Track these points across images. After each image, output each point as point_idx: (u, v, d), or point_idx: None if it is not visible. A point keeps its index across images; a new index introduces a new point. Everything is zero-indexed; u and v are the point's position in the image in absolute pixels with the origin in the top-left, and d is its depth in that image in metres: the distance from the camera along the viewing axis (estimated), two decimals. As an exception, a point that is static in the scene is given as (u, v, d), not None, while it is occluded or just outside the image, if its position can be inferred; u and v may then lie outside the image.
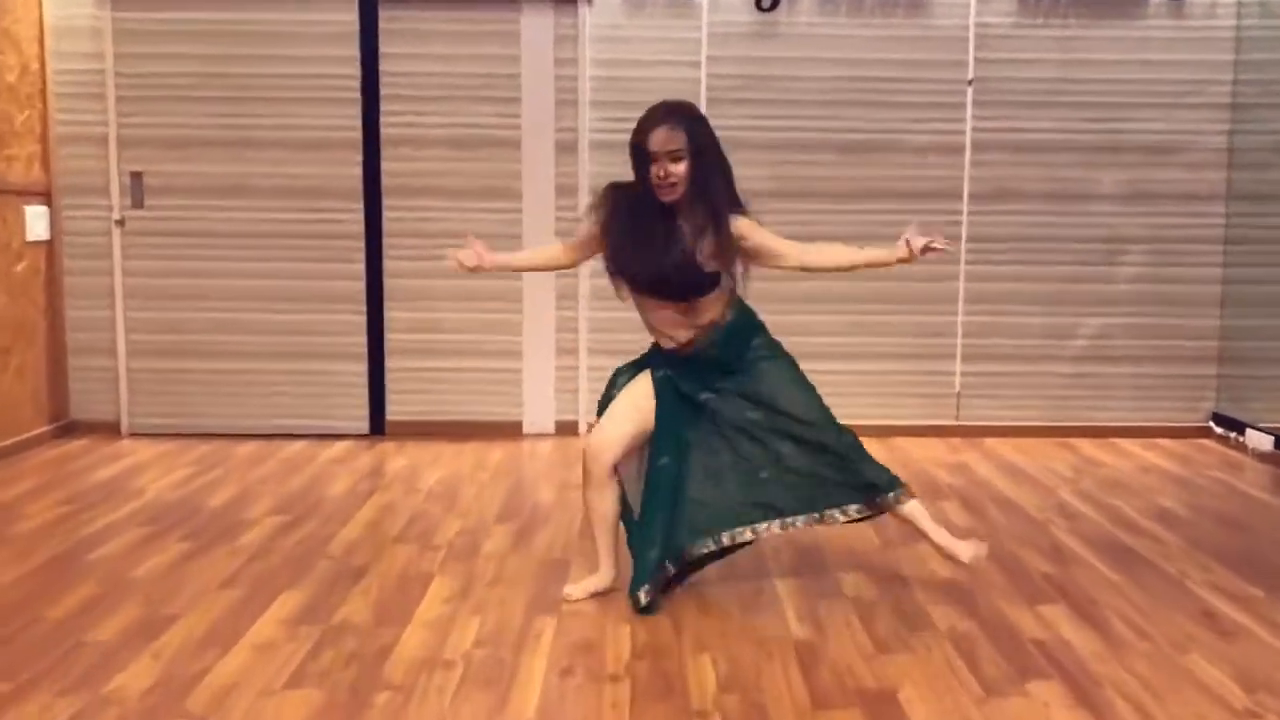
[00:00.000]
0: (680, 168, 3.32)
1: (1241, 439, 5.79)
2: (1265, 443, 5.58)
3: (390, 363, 6.05)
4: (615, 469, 3.54)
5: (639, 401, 3.51)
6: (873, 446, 5.79)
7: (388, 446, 5.82)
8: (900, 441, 5.95)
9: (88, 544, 4.14)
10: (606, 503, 3.56)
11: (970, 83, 5.94)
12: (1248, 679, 3.04)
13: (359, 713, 2.83)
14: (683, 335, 3.48)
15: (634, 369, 3.62)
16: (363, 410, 6.04)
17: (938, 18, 5.91)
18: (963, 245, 6.01)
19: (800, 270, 3.63)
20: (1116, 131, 5.97)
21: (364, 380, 6.03)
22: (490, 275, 5.91)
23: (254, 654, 3.19)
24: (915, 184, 5.98)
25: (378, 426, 6.07)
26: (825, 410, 3.55)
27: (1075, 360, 6.10)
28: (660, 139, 3.33)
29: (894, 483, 3.54)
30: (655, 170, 3.32)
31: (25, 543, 4.15)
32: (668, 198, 3.35)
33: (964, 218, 6.01)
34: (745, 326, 3.55)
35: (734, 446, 3.49)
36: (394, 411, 6.07)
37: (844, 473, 3.51)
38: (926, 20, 5.91)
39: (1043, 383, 6.11)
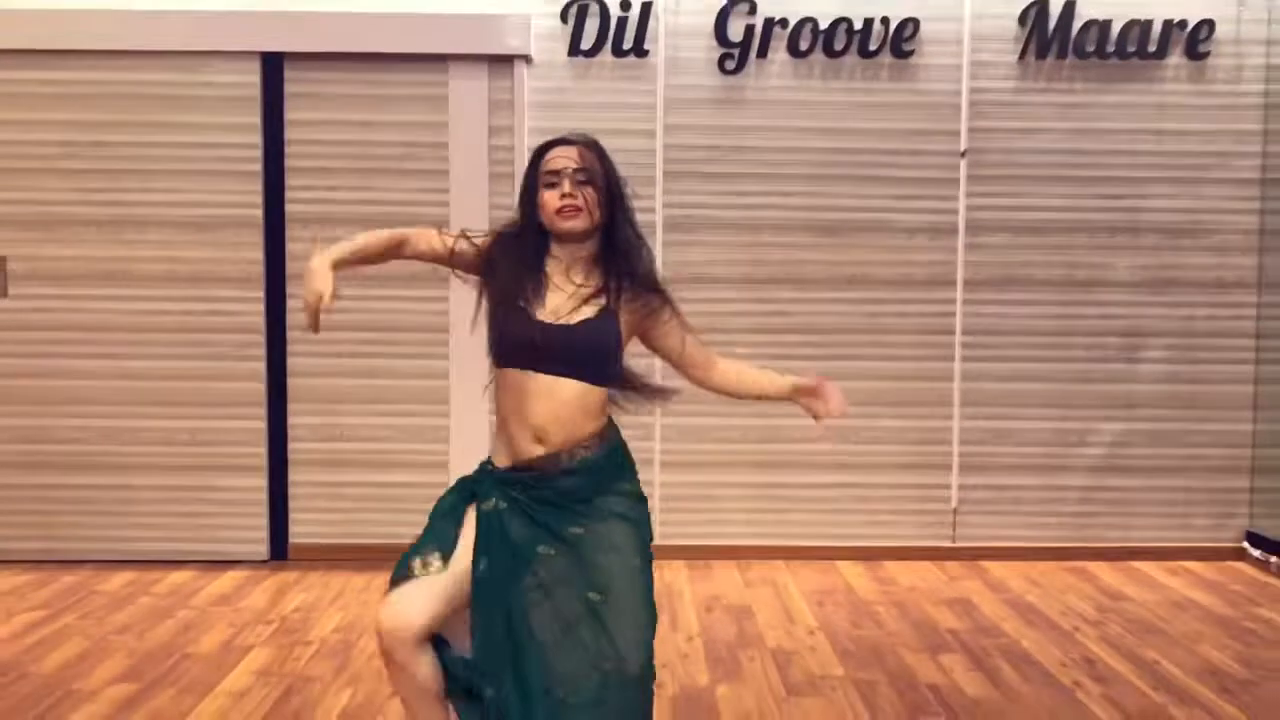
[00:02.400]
0: (590, 193, 2.49)
1: (1283, 563, 5.01)
2: (1314, 570, 4.78)
3: (294, 476, 5.22)
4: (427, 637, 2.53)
5: (457, 563, 2.51)
6: (858, 573, 4.99)
7: (287, 577, 4.95)
8: (891, 567, 5.13)
9: None
10: (424, 670, 2.50)
11: (964, 155, 5.20)
12: None
13: None
14: (557, 438, 2.49)
15: (456, 497, 2.63)
16: (261, 533, 5.19)
17: (927, 82, 5.19)
18: (958, 339, 5.25)
19: (696, 384, 2.73)
20: (1133, 210, 5.25)
21: (263, 497, 5.19)
22: (410, 376, 5.16)
23: None
24: (903, 269, 5.23)
25: (279, 551, 5.21)
26: (649, 644, 2.49)
27: (1089, 472, 5.31)
28: (566, 156, 2.49)
29: None
30: (558, 192, 2.48)
31: None
32: (571, 223, 2.49)
33: (958, 308, 5.25)
34: (622, 456, 2.62)
35: (566, 629, 2.43)
36: (297, 534, 5.22)
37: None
38: (914, 85, 5.19)
39: (1052, 498, 5.31)
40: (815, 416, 2.67)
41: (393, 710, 3.44)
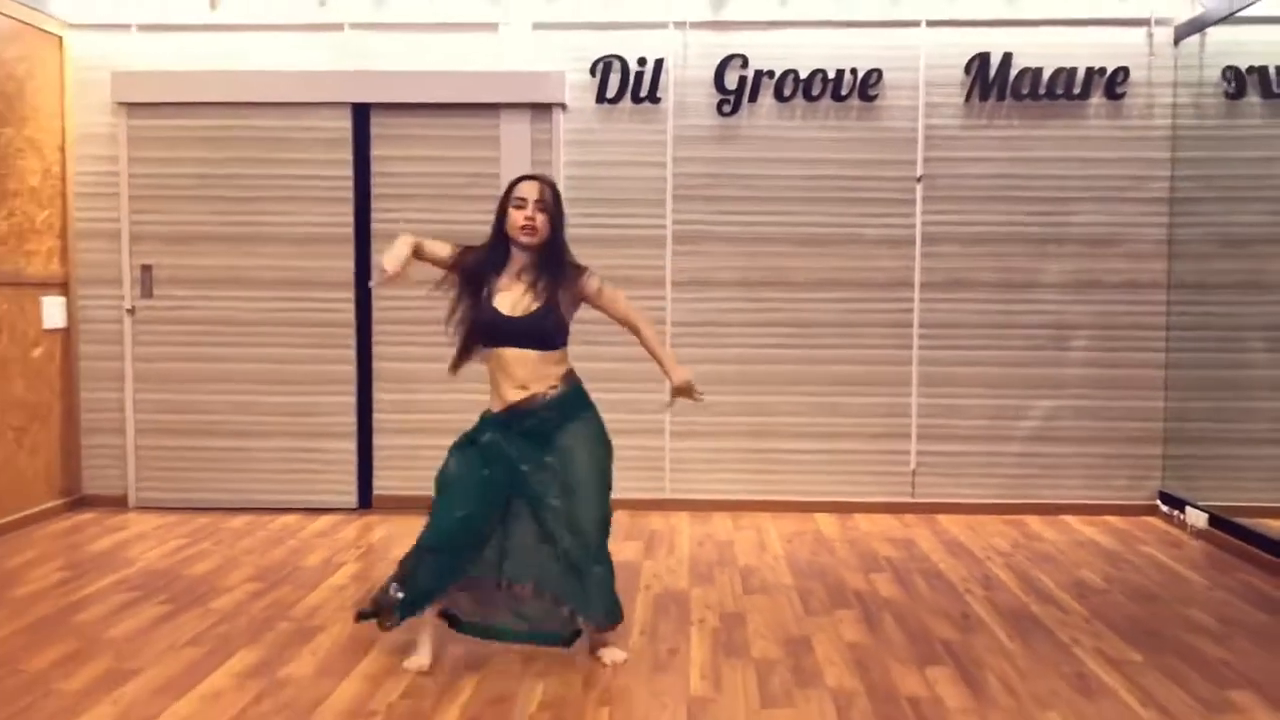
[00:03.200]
0: (544, 218, 3.75)
1: (1183, 516, 6.04)
2: (1201, 519, 5.85)
3: (378, 440, 6.47)
4: None
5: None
6: (831, 523, 6.12)
7: (372, 519, 6.21)
8: (858, 518, 6.26)
9: (74, 607, 4.55)
10: None
11: (919, 179, 6.32)
12: (1090, 733, 3.34)
13: (279, 752, 3.19)
14: (533, 385, 3.79)
15: (465, 444, 3.93)
16: (351, 485, 6.45)
17: (889, 119, 6.31)
18: (915, 330, 6.35)
19: (630, 331, 4.02)
20: (1061, 224, 6.31)
21: (353, 457, 6.44)
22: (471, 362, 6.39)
23: (202, 703, 3.57)
24: (871, 274, 6.35)
25: (365, 500, 6.47)
26: (604, 525, 3.87)
27: (1026, 440, 6.39)
28: (531, 189, 3.78)
29: (604, 618, 3.89)
30: (523, 214, 3.75)
31: (19, 605, 4.57)
32: (527, 239, 3.77)
33: (915, 305, 6.36)
34: (581, 395, 3.90)
35: (537, 522, 3.82)
36: (380, 486, 6.48)
37: (582, 585, 3.84)
38: (878, 122, 6.31)
39: (995, 462, 6.41)
40: (670, 394, 4.02)
41: (449, 599, 4.68)
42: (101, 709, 3.50)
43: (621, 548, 5.58)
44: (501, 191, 3.95)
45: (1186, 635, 4.25)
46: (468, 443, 3.88)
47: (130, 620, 4.39)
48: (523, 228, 3.76)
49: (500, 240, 3.83)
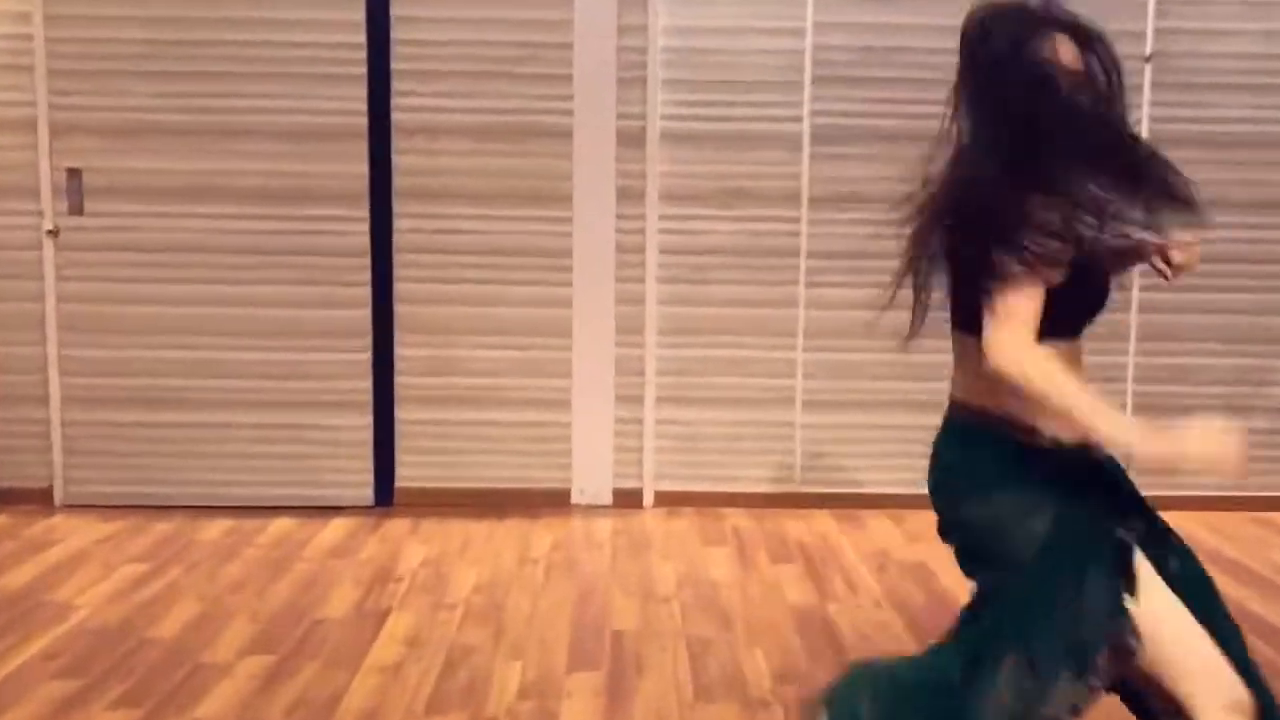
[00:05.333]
0: None
1: None
2: None
3: (401, 414, 4.78)
4: None
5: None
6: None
7: (398, 525, 4.52)
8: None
9: (-28, 714, 2.81)
10: None
11: (1148, 59, 4.68)
12: None
13: None
14: None
15: (1043, 509, 1.95)
16: (366, 476, 4.76)
17: (1108, -25, 4.64)
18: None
19: None
20: (1332, 122, 4.73)
21: (368, 437, 4.77)
22: (528, 304, 4.70)
23: None
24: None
25: (384, 496, 4.79)
26: None
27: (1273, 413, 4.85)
28: None
29: None
30: None
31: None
32: None
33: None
34: None
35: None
36: (404, 477, 4.80)
37: None
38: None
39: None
40: None
41: (574, 685, 3.00)
42: None
43: (771, 571, 3.96)
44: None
45: None
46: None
47: (67, 746, 2.67)
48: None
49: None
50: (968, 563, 2.04)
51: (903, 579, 3.94)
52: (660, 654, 3.27)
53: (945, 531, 2.06)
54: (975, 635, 1.96)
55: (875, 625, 3.53)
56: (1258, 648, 3.40)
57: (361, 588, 3.81)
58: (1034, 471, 1.91)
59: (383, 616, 3.55)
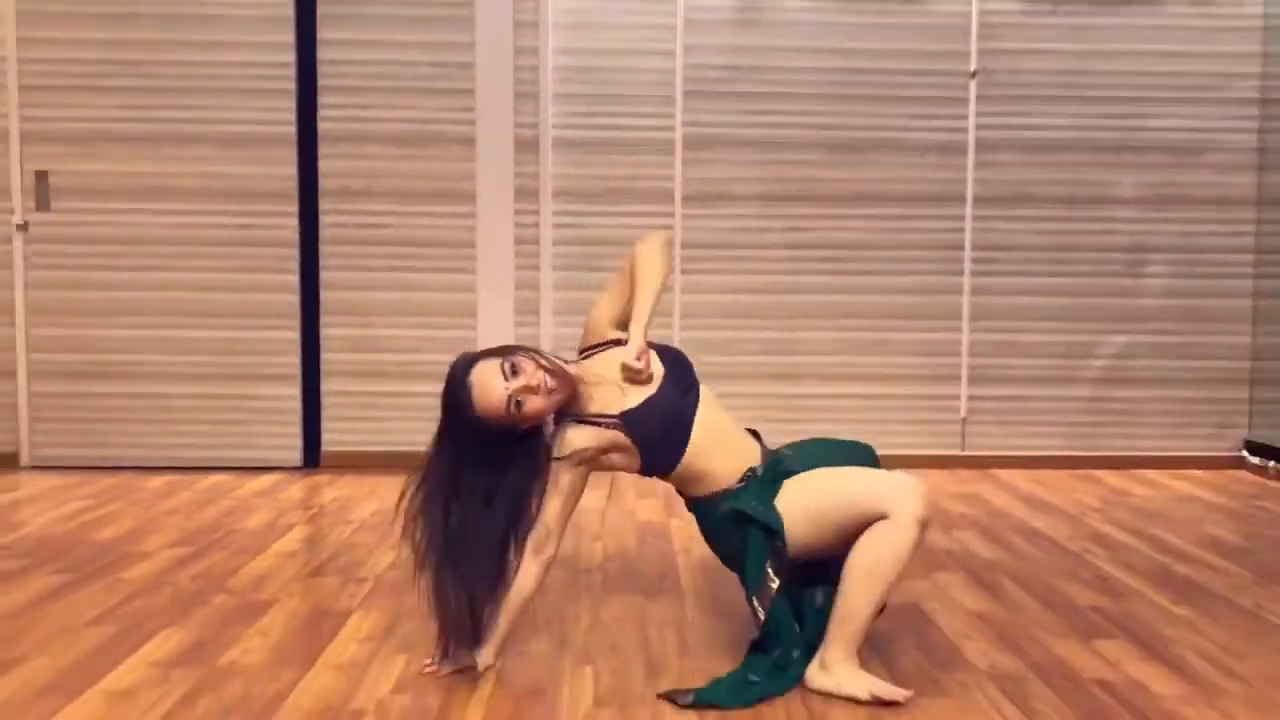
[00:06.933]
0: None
1: (1278, 467, 5.18)
2: (1308, 471, 4.96)
3: (327, 386, 5.38)
4: None
5: None
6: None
7: (320, 479, 5.12)
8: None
9: (-64, 579, 3.42)
10: None
11: (973, 75, 5.36)
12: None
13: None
14: None
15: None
16: (295, 440, 5.35)
17: (937, 4, 5.35)
18: (967, 254, 5.41)
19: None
20: (1137, 129, 5.40)
21: (297, 406, 5.35)
22: (439, 289, 5.32)
23: (109, 702, 2.47)
24: (914, 186, 5.40)
25: (311, 458, 5.37)
26: None
27: (1095, 383, 5.47)
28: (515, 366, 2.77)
29: None
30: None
31: None
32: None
33: (968, 224, 5.41)
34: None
35: None
36: (330, 441, 5.38)
37: None
38: (924, 7, 5.35)
39: (1059, 408, 5.48)
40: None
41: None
42: (-41, 715, 2.40)
43: (639, 506, 4.58)
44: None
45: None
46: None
47: (12, 595, 3.27)
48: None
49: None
50: None
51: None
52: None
53: None
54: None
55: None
56: (1013, 540, 4.06)
57: (276, 512, 4.42)
58: None
59: (289, 528, 4.16)
